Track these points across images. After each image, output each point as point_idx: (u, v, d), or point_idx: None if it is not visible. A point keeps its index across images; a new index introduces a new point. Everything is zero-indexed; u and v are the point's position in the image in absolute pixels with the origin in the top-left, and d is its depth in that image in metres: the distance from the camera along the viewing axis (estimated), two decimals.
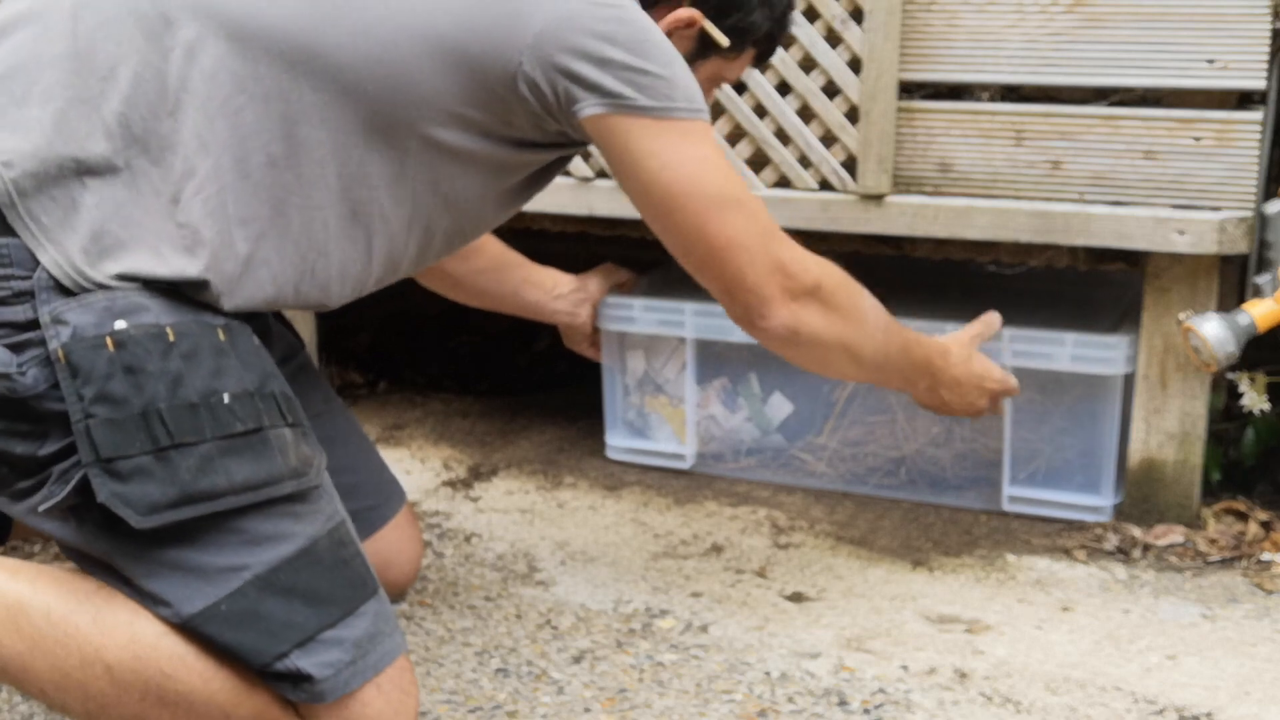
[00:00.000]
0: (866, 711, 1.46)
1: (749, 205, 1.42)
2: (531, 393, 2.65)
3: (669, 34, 1.44)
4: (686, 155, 1.36)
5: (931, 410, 1.81)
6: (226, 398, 1.16)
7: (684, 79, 1.36)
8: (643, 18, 1.35)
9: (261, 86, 1.25)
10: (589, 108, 1.32)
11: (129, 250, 1.17)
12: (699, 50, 1.53)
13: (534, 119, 1.35)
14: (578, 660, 1.57)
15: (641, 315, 2.14)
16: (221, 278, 1.22)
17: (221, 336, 1.20)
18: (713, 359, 2.16)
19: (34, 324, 1.14)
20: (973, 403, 1.79)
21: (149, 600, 1.17)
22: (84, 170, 1.18)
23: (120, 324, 1.14)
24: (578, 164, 2.09)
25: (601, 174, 2.10)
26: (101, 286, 1.15)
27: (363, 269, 1.36)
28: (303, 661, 1.16)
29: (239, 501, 1.15)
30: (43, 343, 1.13)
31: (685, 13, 1.49)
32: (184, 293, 1.20)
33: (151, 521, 1.12)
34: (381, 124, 1.30)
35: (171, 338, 1.16)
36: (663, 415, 2.20)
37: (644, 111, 1.33)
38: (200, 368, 1.16)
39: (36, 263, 1.15)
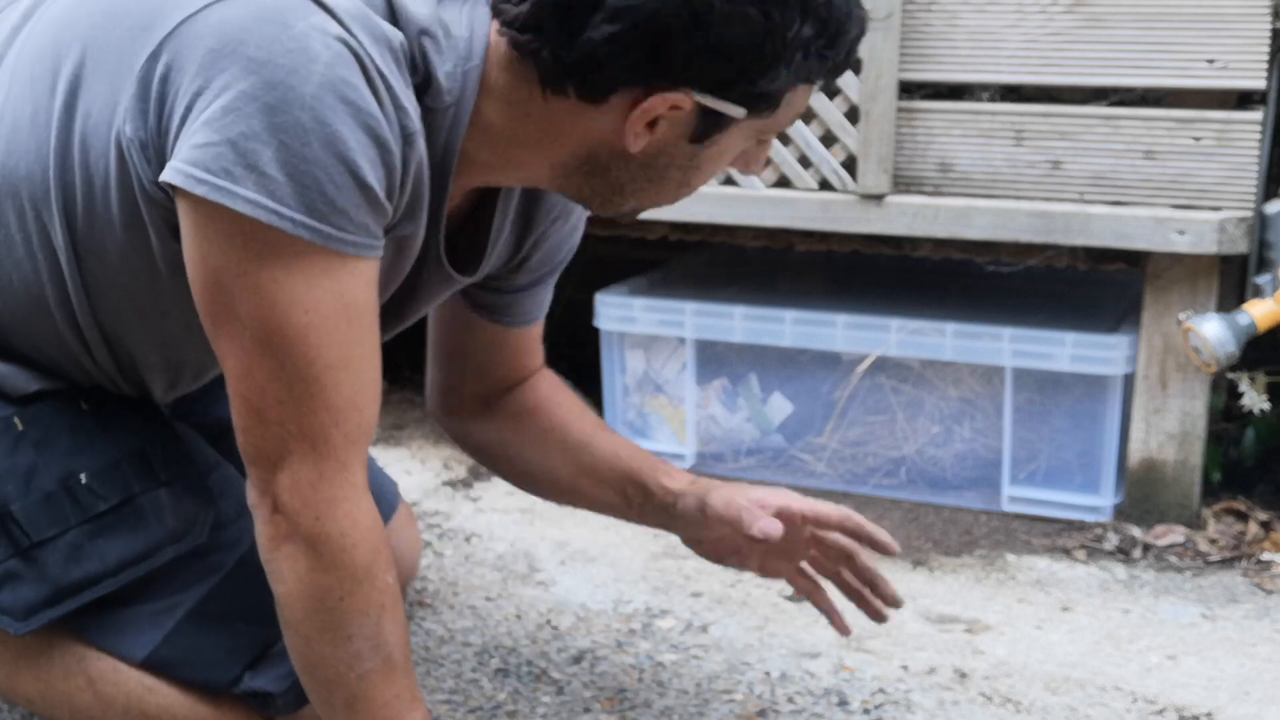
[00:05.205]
0: (866, 711, 1.46)
1: None
2: None
3: (648, 125, 1.04)
4: None
5: None
6: (84, 477, 1.10)
7: None
8: None
9: None
10: None
11: None
12: (706, 128, 1.06)
13: None
14: (578, 660, 1.57)
15: (641, 315, 2.14)
16: None
17: (84, 406, 1.14)
18: (712, 359, 2.16)
19: None
20: None
21: (101, 649, 1.15)
22: None
23: None
24: None
25: None
26: None
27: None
28: (256, 681, 1.14)
29: (119, 583, 1.11)
30: None
31: (661, 101, 1.01)
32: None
33: (31, 625, 1.09)
34: None
35: (20, 427, 1.10)
36: (663, 415, 2.20)
37: None
38: (55, 451, 1.10)
39: None
